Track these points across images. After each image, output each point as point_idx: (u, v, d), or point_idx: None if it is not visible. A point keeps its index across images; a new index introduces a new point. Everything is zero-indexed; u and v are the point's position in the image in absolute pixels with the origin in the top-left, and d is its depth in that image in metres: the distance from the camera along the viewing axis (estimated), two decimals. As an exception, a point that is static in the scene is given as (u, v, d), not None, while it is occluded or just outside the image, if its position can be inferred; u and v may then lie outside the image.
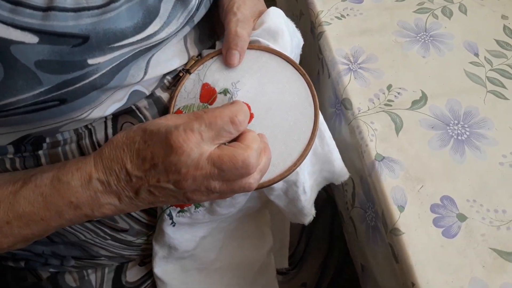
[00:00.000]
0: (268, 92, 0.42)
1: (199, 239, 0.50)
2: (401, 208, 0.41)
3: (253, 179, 0.35)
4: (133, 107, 0.42)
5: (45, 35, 0.31)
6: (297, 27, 0.49)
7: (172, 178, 0.33)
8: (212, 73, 0.43)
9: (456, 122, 0.47)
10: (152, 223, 0.50)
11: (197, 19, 0.44)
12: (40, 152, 0.41)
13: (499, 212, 0.41)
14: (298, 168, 0.40)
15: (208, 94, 0.42)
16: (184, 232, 0.48)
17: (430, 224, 0.40)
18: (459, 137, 0.46)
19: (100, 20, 0.33)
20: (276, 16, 0.45)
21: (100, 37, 0.33)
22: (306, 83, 0.42)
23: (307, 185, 0.44)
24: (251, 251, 0.56)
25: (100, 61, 0.34)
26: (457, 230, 0.40)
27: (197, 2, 0.42)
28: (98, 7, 0.33)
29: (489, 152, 0.45)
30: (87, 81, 0.34)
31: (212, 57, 0.44)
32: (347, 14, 0.58)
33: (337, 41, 0.55)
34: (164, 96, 0.44)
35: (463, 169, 0.44)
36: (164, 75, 0.43)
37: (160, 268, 0.51)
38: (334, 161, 0.44)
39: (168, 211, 0.45)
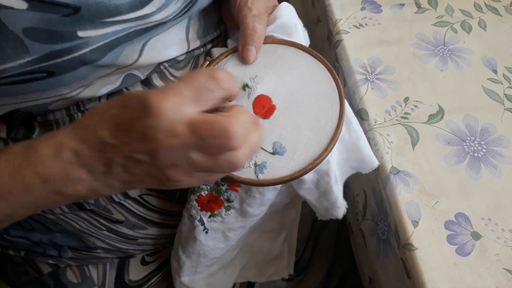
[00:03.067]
0: (288, 82, 0.41)
1: (230, 246, 0.49)
2: (415, 223, 0.41)
3: (241, 155, 0.30)
4: (126, 90, 0.42)
5: (35, 2, 0.31)
6: (313, 33, 0.48)
7: (147, 147, 0.29)
8: (228, 70, 0.42)
9: (472, 138, 0.47)
10: (149, 217, 0.49)
11: (198, 7, 0.43)
12: (33, 135, 0.41)
13: (514, 233, 0.40)
14: (329, 156, 0.39)
15: None
16: (218, 241, 0.47)
17: (444, 241, 0.40)
18: (475, 154, 0.46)
19: None
20: (289, 12, 0.44)
21: (92, 10, 0.33)
22: (326, 68, 0.42)
23: (338, 174, 0.42)
24: (269, 242, 0.58)
25: (91, 35, 0.34)
26: (471, 249, 0.40)
27: None
28: None
29: (506, 171, 0.44)
30: (76, 54, 0.34)
31: (226, 56, 0.43)
32: (366, 24, 0.57)
33: (355, 50, 0.54)
34: (160, 85, 0.43)
35: (478, 187, 0.43)
36: (161, 63, 0.43)
37: (188, 277, 0.51)
38: (362, 148, 0.42)
39: (198, 217, 0.45)
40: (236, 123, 0.28)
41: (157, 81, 0.43)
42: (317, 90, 0.41)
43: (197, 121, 0.28)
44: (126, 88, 0.42)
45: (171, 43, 0.42)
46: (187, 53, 0.44)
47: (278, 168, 0.38)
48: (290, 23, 0.44)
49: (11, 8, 0.30)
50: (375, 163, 0.42)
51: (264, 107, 0.40)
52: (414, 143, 0.46)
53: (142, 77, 0.42)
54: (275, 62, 0.42)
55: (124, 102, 0.30)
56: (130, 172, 0.30)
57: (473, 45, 0.55)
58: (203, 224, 0.45)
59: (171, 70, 0.44)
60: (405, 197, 0.42)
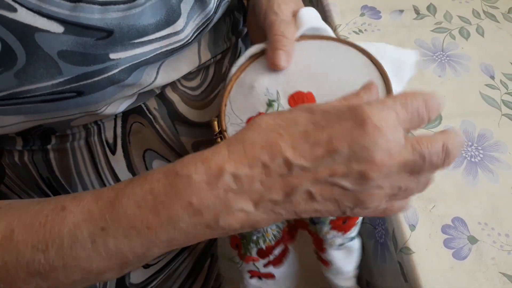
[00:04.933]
0: (327, 75, 0.39)
1: None
2: (412, 227, 0.41)
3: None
4: (143, 106, 0.42)
5: (71, 26, 0.31)
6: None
7: (356, 169, 0.25)
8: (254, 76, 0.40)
9: (470, 143, 0.47)
10: None
11: (213, 22, 0.43)
12: (49, 146, 0.41)
13: (510, 237, 0.41)
14: None
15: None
16: None
17: (440, 245, 0.40)
18: (473, 159, 0.46)
19: (125, 15, 0.34)
20: (315, 15, 0.43)
21: (123, 32, 0.34)
22: (364, 55, 0.40)
23: None
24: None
25: (121, 56, 0.34)
26: (467, 253, 0.40)
27: (215, 5, 0.42)
28: (124, 2, 0.34)
29: (502, 176, 0.45)
30: (106, 75, 0.35)
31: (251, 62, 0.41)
32: (365, 29, 0.58)
33: (354, 55, 0.55)
34: (173, 97, 0.44)
35: (475, 191, 0.44)
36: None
37: None
38: None
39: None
40: (453, 140, 0.27)
41: (170, 93, 0.44)
42: (359, 75, 0.38)
43: (416, 140, 0.26)
44: (144, 104, 0.42)
45: (184, 60, 0.43)
46: (198, 66, 0.45)
47: None
48: (319, 26, 0.42)
49: (48, 31, 0.31)
50: None
51: (302, 100, 0.38)
52: (412, 148, 0.47)
53: (157, 91, 0.42)
54: (310, 59, 0.40)
55: (315, 118, 0.26)
56: (313, 199, 0.26)
57: (471, 51, 0.56)
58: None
59: (182, 82, 0.45)
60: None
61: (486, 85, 0.53)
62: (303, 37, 0.41)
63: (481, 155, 0.46)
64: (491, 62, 0.55)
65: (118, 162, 0.43)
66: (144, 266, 0.56)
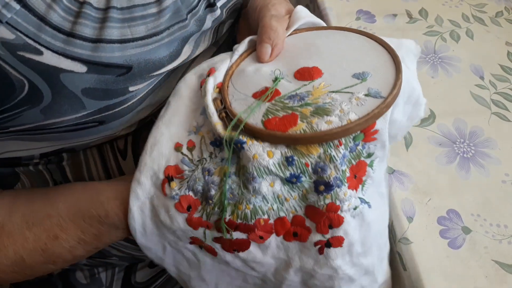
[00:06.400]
0: (332, 52, 0.38)
1: None
2: (410, 219, 0.44)
3: None
4: (152, 118, 0.44)
5: (93, 65, 0.33)
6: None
7: None
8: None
9: (462, 140, 0.50)
10: None
11: (221, 41, 0.46)
12: (63, 154, 0.43)
13: (501, 227, 0.44)
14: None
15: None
16: None
17: (437, 235, 0.43)
18: (465, 155, 0.49)
19: (142, 51, 0.35)
20: (308, 13, 0.43)
21: (141, 67, 0.36)
22: (367, 36, 0.40)
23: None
24: None
25: (139, 87, 0.36)
26: (462, 242, 0.43)
27: (223, 33, 0.44)
28: (141, 38, 0.35)
29: (493, 170, 0.48)
30: (126, 105, 0.37)
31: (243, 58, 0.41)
32: (361, 33, 0.61)
33: (351, 58, 0.57)
34: None
35: (468, 185, 0.46)
36: None
37: None
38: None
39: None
40: None
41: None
42: (366, 55, 0.38)
43: None
44: (155, 117, 0.44)
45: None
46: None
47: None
48: (317, 21, 0.42)
49: (72, 71, 0.32)
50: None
51: (308, 72, 0.37)
52: (407, 145, 0.49)
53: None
54: (310, 47, 0.40)
55: None
56: None
57: (461, 53, 0.59)
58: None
59: None
60: (400, 195, 0.45)
61: (476, 85, 0.55)
62: (302, 30, 0.42)
63: (472, 151, 0.49)
64: (481, 64, 0.58)
65: (128, 166, 0.45)
66: (149, 265, 0.58)
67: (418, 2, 0.66)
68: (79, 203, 0.37)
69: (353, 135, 0.33)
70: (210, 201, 0.34)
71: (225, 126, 0.35)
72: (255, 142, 0.33)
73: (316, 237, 0.35)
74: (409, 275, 0.41)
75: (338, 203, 0.33)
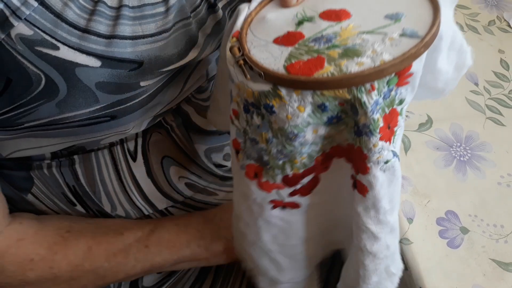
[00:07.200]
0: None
1: None
2: (410, 220, 0.45)
3: None
4: (161, 119, 0.46)
5: (107, 60, 0.35)
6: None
7: None
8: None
9: (458, 144, 0.52)
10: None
11: None
12: (75, 156, 0.44)
13: (497, 227, 0.45)
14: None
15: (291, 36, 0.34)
16: None
17: (436, 236, 0.45)
18: (461, 158, 0.51)
19: (152, 47, 0.37)
20: None
21: (152, 63, 0.37)
22: None
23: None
24: None
25: (150, 83, 0.38)
26: (460, 242, 0.44)
27: None
28: (151, 35, 0.37)
29: (489, 173, 0.49)
30: (137, 100, 0.38)
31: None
32: (359, 42, 0.63)
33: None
34: (188, 109, 0.47)
35: (465, 187, 0.48)
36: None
37: None
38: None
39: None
40: None
41: (185, 106, 0.47)
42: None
43: None
44: (164, 119, 0.46)
45: (195, 77, 0.46)
46: (206, 79, 0.48)
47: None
48: None
49: (87, 66, 0.34)
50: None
51: (335, 14, 0.34)
52: (406, 149, 0.51)
53: (175, 107, 0.46)
54: None
55: None
56: None
57: (456, 61, 0.61)
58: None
59: (195, 95, 0.48)
60: (400, 197, 0.47)
61: (471, 91, 0.58)
62: None
63: (469, 155, 0.51)
64: (475, 71, 0.60)
65: (139, 168, 0.47)
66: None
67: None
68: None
69: (387, 78, 0.30)
70: (268, 166, 0.34)
71: (244, 75, 0.32)
72: (281, 102, 0.31)
73: (352, 171, 0.34)
74: (410, 274, 0.43)
75: (366, 152, 0.31)
